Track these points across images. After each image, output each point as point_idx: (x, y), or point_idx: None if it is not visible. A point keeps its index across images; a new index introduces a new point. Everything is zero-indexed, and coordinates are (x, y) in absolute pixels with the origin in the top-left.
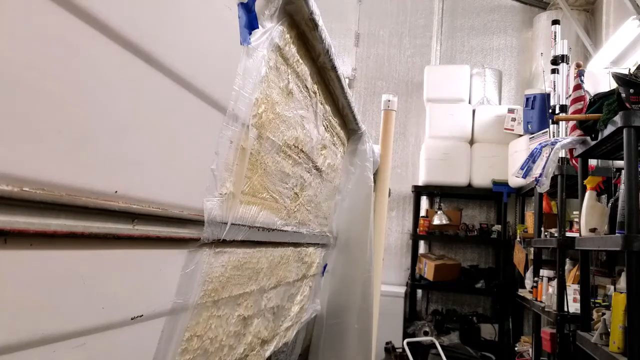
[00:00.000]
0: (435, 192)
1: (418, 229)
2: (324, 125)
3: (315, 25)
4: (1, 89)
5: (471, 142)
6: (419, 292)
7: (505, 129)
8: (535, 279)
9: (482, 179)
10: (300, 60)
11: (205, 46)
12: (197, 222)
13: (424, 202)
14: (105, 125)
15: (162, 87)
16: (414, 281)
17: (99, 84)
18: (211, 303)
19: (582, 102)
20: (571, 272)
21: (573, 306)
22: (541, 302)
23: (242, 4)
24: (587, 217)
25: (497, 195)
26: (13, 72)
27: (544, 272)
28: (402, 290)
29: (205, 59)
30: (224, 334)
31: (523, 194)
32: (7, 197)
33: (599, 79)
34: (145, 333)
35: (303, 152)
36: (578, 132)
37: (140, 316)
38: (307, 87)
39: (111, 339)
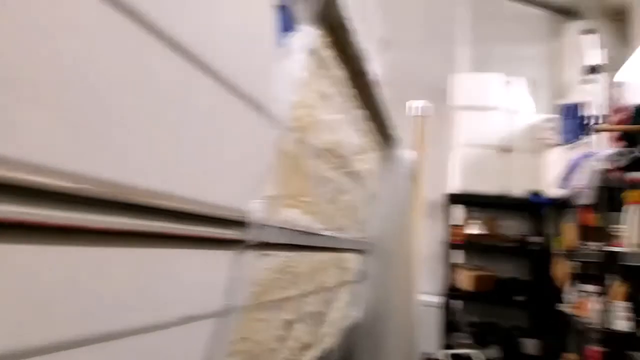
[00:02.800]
0: (471, 201)
1: (453, 239)
2: (360, 130)
3: (350, 31)
4: (78, 98)
5: (507, 150)
6: (455, 302)
7: (542, 138)
8: (577, 293)
9: (519, 189)
10: (337, 65)
11: (249, 51)
12: (242, 224)
13: (459, 211)
14: (161, 130)
15: (210, 92)
16: (449, 291)
17: (158, 93)
18: (256, 306)
19: (623, 113)
20: (616, 287)
21: (619, 323)
22: (583, 317)
23: (281, 9)
24: (631, 231)
25: (534, 206)
26: (87, 82)
27: (585, 287)
28: (436, 300)
29: (249, 64)
30: (269, 337)
31: (562, 205)
32: (73, 195)
33: (638, 89)
34: (195, 333)
35: (340, 156)
36: (619, 143)
37: (190, 316)
38: (344, 92)
39: (162, 339)
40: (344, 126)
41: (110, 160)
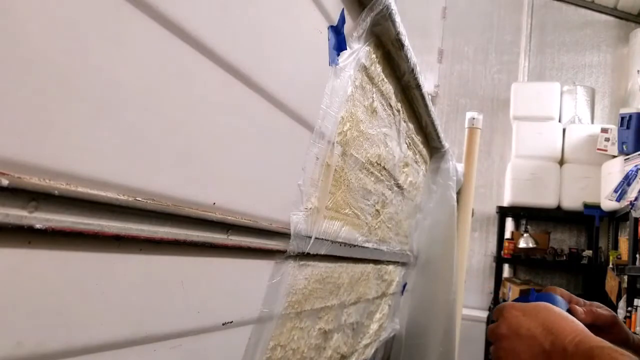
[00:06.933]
0: (522, 214)
1: (502, 252)
2: (406, 143)
3: (401, 45)
4: (121, 113)
5: (561, 162)
6: None
7: (598, 149)
8: (629, 308)
9: (572, 202)
10: (385, 79)
11: (297, 68)
12: (284, 235)
13: (509, 223)
14: (206, 143)
15: (257, 107)
16: (497, 305)
17: (203, 106)
18: (294, 314)
19: None
20: None
21: None
22: (635, 333)
23: (332, 27)
24: None
25: (588, 219)
26: (131, 96)
27: (637, 301)
28: (484, 315)
29: (296, 80)
30: (306, 346)
31: (617, 218)
32: (124, 206)
33: None
34: (234, 339)
35: (385, 169)
36: None
37: (230, 322)
38: (390, 105)
39: (204, 343)
40: (390, 139)
41: (164, 175)
